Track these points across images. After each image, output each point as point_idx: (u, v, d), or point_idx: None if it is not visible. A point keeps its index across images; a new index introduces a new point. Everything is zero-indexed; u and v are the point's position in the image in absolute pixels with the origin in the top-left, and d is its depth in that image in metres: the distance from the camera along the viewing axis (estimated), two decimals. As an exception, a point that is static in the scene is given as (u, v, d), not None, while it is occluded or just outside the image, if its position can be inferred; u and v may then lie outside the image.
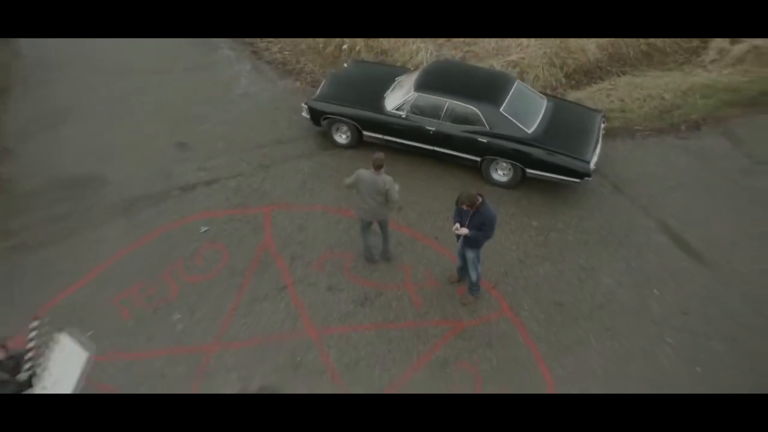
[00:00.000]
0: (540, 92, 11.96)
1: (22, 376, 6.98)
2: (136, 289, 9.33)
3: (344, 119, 11.37)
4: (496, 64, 13.69)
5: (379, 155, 8.68)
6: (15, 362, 7.07)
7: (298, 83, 13.42)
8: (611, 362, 8.55)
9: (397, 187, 8.84)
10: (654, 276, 9.61)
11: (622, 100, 12.80)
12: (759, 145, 11.62)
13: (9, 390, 6.85)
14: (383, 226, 9.42)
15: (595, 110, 11.53)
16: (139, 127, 12.13)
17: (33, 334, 7.38)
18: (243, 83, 13.31)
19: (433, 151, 11.08)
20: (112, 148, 11.65)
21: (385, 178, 8.68)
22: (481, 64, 13.62)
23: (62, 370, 7.18)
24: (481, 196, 8.23)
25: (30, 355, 7.18)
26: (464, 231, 8.34)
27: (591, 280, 9.56)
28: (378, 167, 8.59)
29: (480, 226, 8.30)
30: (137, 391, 8.04)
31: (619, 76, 13.81)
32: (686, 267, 9.71)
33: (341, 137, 11.67)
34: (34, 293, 9.14)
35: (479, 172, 11.01)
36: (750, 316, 9.01)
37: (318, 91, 11.89)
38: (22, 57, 13.59)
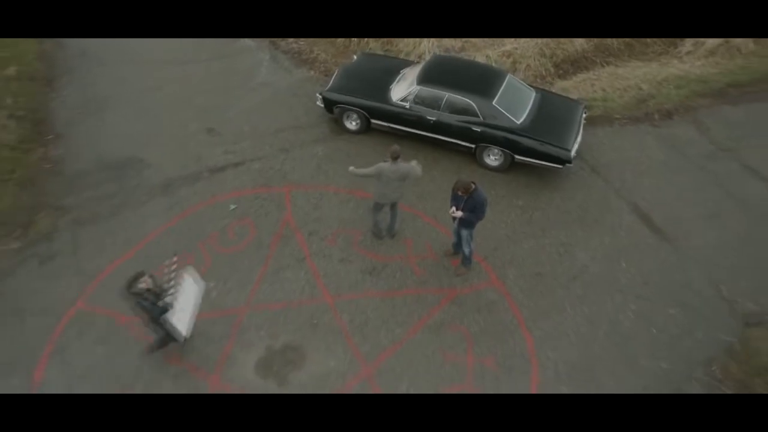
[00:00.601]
0: (529, 84, 12.92)
1: (163, 302, 8.19)
2: (177, 259, 10.41)
3: (354, 108, 12.32)
4: (492, 54, 14.57)
5: (396, 147, 9.69)
6: (158, 290, 8.30)
7: (312, 72, 14.29)
8: (582, 325, 9.67)
9: (413, 162, 9.97)
10: (623, 251, 10.67)
11: (604, 90, 13.69)
12: (722, 134, 12.57)
13: (155, 313, 8.13)
14: (394, 206, 10.48)
15: (578, 102, 12.47)
16: (171, 114, 13.06)
17: (173, 268, 8.56)
18: (263, 72, 14.19)
19: (433, 138, 12.05)
20: (148, 133, 12.60)
21: (404, 165, 9.73)
22: (477, 54, 14.52)
23: (185, 300, 8.54)
24: (474, 183, 9.27)
25: (171, 285, 8.41)
26: (459, 213, 9.42)
27: (568, 255, 10.64)
28: (395, 158, 9.62)
29: (473, 209, 9.37)
30: (180, 348, 9.24)
31: (603, 66, 14.68)
32: (651, 243, 10.77)
33: (351, 124, 12.65)
34: (90, 262, 10.24)
35: (474, 157, 12.00)
36: (702, 285, 10.11)
37: (331, 82, 12.81)
38: (66, 48, 14.41)
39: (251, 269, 10.28)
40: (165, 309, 8.14)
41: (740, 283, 10.03)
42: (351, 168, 10.12)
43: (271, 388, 8.85)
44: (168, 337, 8.65)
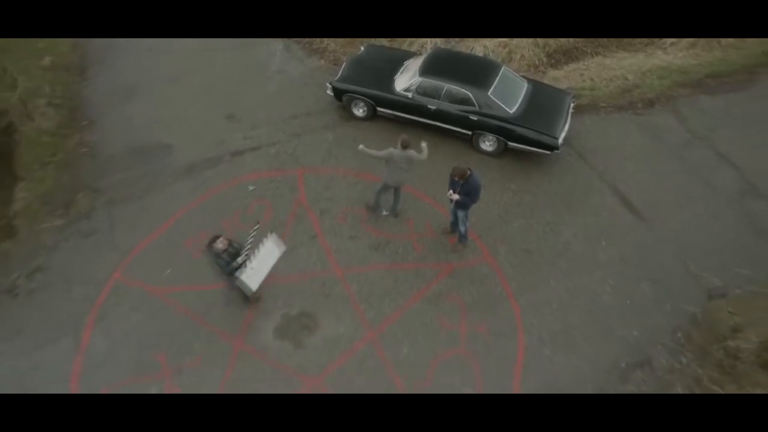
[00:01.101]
0: (522, 74, 13.65)
1: (236, 262, 9.24)
2: (202, 235, 11.29)
3: (361, 97, 13.08)
4: (489, 44, 15.20)
5: (405, 137, 10.53)
6: (235, 251, 9.36)
7: (322, 61, 14.97)
8: (564, 297, 10.56)
9: (423, 144, 10.84)
10: (604, 230, 11.49)
11: (592, 80, 14.35)
12: (699, 122, 13.26)
13: (227, 271, 9.24)
14: (399, 189, 11.31)
15: (566, 92, 13.18)
16: (194, 101, 13.81)
17: (253, 232, 9.54)
18: (277, 61, 14.87)
19: (434, 125, 12.81)
20: (172, 119, 13.38)
21: (411, 152, 10.55)
22: (476, 44, 15.17)
23: (261, 261, 9.50)
24: (470, 170, 10.10)
25: (248, 247, 9.43)
26: (456, 197, 10.26)
27: (554, 233, 11.47)
28: (405, 147, 10.45)
29: (468, 193, 10.20)
30: (207, 315, 10.20)
31: (592, 56, 15.28)
32: (629, 223, 11.58)
33: (359, 111, 13.40)
34: (125, 238, 11.17)
35: (470, 143, 12.76)
36: (673, 262, 10.95)
37: (340, 72, 13.53)
38: (94, 39, 14.90)
39: None
40: (235, 269, 9.18)
41: (706, 260, 10.86)
42: (361, 146, 10.87)
43: (287, 349, 9.83)
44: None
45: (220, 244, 9.14)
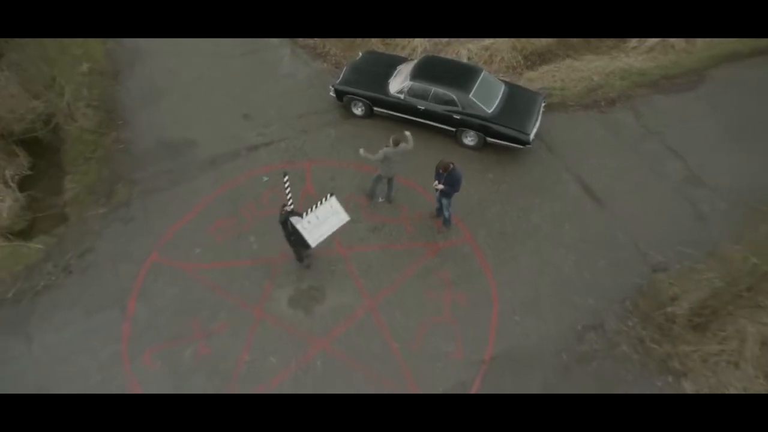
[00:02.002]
0: (501, 76, 14.82)
1: (287, 208, 10.57)
2: (224, 220, 12.52)
3: (360, 98, 14.23)
4: (473, 48, 16.28)
5: (395, 137, 11.72)
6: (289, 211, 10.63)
7: (325, 64, 16.03)
8: (533, 272, 11.83)
9: (407, 133, 12.09)
10: (568, 215, 12.71)
11: (563, 80, 15.47)
12: (653, 119, 14.46)
13: (280, 219, 10.70)
14: (392, 179, 12.47)
15: (538, 93, 14.33)
16: (214, 101, 14.89)
17: (286, 183, 10.58)
18: (285, 65, 15.94)
19: (423, 122, 13.98)
20: (196, 117, 14.47)
21: (402, 146, 11.75)
22: (461, 48, 16.25)
23: (318, 218, 10.54)
24: (453, 164, 11.31)
25: (288, 194, 10.63)
26: (440, 187, 11.50)
27: (525, 218, 12.69)
28: (397, 144, 11.66)
29: (451, 184, 11.44)
30: (231, 288, 11.45)
31: (563, 59, 16.39)
32: (590, 208, 12.82)
33: (358, 110, 14.53)
34: (159, 224, 12.36)
35: (454, 138, 13.94)
36: (625, 241, 12.23)
37: (341, 76, 14.64)
38: (124, 46, 16.07)
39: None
40: (284, 216, 10.48)
41: (652, 240, 12.13)
42: (361, 151, 12.00)
43: (299, 316, 11.12)
44: (300, 253, 11.29)
45: (286, 208, 10.51)
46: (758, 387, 9.69)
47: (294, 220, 10.43)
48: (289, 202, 10.57)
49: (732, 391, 9.80)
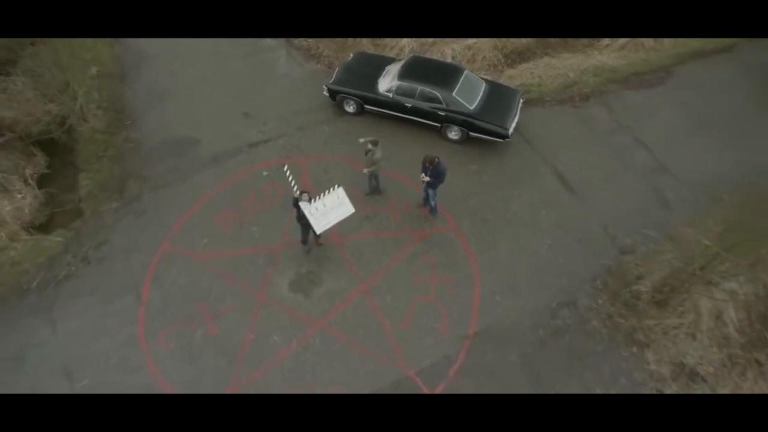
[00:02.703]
0: (483, 74, 15.52)
1: (297, 192, 11.57)
2: (228, 212, 13.24)
3: (351, 97, 14.91)
4: (456, 47, 16.92)
5: (375, 140, 12.49)
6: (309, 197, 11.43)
7: (318, 65, 16.67)
8: (512, 255, 12.59)
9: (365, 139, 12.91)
10: (544, 203, 13.44)
11: (540, 77, 16.14)
12: (624, 113, 15.18)
13: (293, 203, 11.55)
14: (377, 174, 13.23)
15: (516, 90, 15.02)
16: (215, 101, 15.53)
17: (288, 172, 11.95)
18: (281, 65, 16.59)
19: (410, 119, 14.68)
20: (198, 116, 15.13)
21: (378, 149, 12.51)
22: (446, 47, 16.89)
23: (330, 209, 11.43)
24: (438, 158, 12.03)
25: (292, 181, 11.71)
26: (427, 179, 12.24)
27: (505, 206, 13.42)
28: (375, 144, 12.40)
29: (436, 176, 12.17)
30: (236, 274, 12.17)
31: (541, 57, 17.04)
32: (564, 197, 13.55)
33: (350, 108, 15.20)
34: (168, 216, 13.07)
35: (439, 133, 14.62)
36: (596, 227, 12.97)
37: (333, 76, 15.29)
38: (129, 49, 16.67)
39: (282, 218, 12.93)
40: (295, 199, 11.32)
41: (621, 225, 12.89)
42: (361, 140, 12.80)
43: (299, 299, 11.86)
44: (306, 234, 12.10)
45: (298, 194, 11.34)
46: (712, 355, 10.54)
47: (303, 205, 11.21)
48: (294, 188, 11.43)
49: (689, 360, 10.64)
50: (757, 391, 9.93)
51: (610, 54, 16.79)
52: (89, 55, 15.60)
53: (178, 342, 11.25)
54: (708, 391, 10.24)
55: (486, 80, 15.04)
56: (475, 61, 16.78)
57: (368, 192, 13.55)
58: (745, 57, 16.58)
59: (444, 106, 14.13)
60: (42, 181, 13.59)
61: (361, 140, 12.80)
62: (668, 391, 10.47)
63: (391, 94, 14.51)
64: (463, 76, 14.44)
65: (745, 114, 15.06)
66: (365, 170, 12.82)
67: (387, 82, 14.69)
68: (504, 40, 17.18)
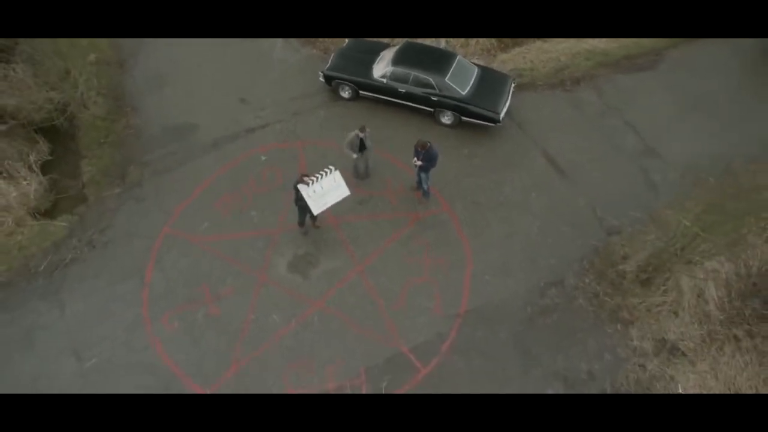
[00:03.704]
0: (475, 60, 15.87)
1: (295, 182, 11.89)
2: (228, 197, 13.66)
3: (346, 82, 15.27)
4: (451, 32, 17.28)
5: (363, 126, 12.89)
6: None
7: (314, 50, 16.92)
8: (503, 236, 13.05)
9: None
10: (535, 185, 13.86)
11: (532, 62, 16.45)
12: (614, 96, 15.54)
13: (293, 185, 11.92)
14: (367, 158, 13.62)
15: (508, 75, 15.38)
16: (213, 87, 15.83)
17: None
18: (278, 52, 16.82)
19: (404, 104, 15.05)
20: (197, 102, 15.43)
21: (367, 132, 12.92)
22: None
23: (326, 191, 11.90)
24: (430, 143, 12.46)
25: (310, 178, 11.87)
26: (419, 163, 12.67)
27: (497, 188, 13.84)
28: (363, 130, 12.81)
29: (428, 160, 12.60)
30: (236, 256, 12.63)
31: (534, 41, 17.33)
32: (554, 179, 13.97)
33: (345, 93, 15.56)
34: (169, 201, 13.49)
35: (433, 117, 15.00)
36: (584, 208, 13.41)
37: (329, 62, 15.62)
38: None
39: (280, 202, 13.33)
40: (296, 184, 11.67)
41: (609, 206, 13.33)
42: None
43: (297, 280, 12.35)
44: (303, 216, 12.54)
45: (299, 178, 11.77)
46: (693, 331, 11.08)
47: (301, 187, 11.64)
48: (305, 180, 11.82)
49: (671, 336, 11.19)
50: (733, 365, 10.48)
51: (602, 38, 17.06)
52: (86, 42, 15.84)
53: (181, 322, 11.75)
54: (687, 365, 10.79)
55: (478, 65, 15.39)
56: (468, 45, 17.06)
57: (356, 176, 13.88)
58: (739, 39, 16.75)
59: (437, 91, 14.50)
60: (45, 168, 13.97)
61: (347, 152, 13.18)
62: (650, 366, 11.03)
63: (385, 80, 14.87)
64: (456, 61, 14.79)
65: (738, 97, 15.38)
66: (350, 153, 13.14)
67: (381, 68, 15.04)
68: (497, 24, 17.45)
